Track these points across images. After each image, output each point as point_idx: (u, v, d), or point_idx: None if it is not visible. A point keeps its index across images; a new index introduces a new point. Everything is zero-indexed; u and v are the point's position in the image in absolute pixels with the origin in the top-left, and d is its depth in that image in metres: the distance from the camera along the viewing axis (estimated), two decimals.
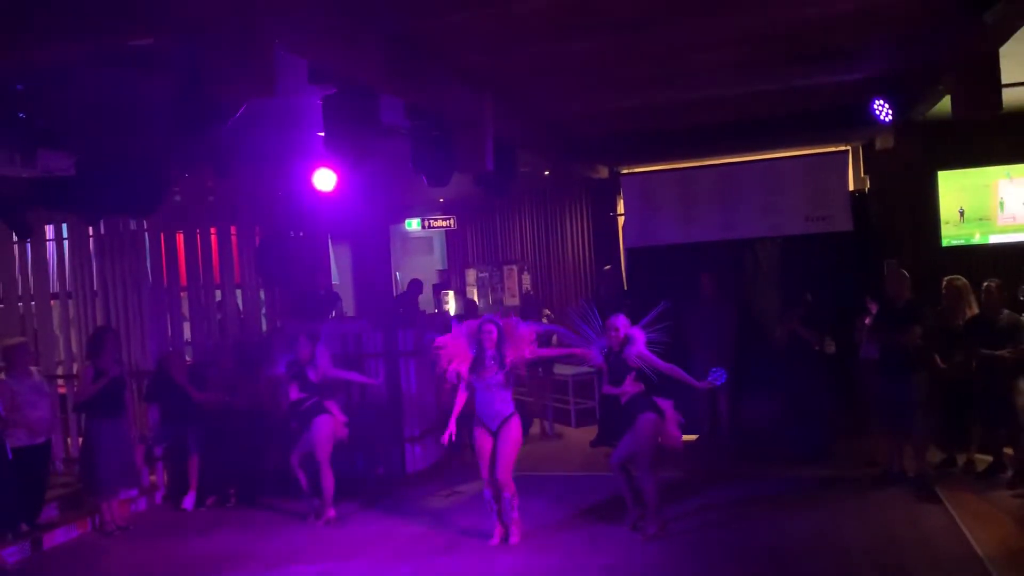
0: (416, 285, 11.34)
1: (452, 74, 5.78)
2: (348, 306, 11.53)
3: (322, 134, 6.65)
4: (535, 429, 9.73)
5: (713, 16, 5.35)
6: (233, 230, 9.39)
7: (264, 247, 9.62)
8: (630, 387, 6.10)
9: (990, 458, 7.19)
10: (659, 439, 6.14)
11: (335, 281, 11.96)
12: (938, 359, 7.15)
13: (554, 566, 5.77)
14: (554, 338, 7.01)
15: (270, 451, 7.81)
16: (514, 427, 6.07)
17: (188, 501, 7.76)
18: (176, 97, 4.01)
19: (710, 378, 6.06)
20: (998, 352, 6.72)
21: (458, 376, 6.12)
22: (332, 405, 7.11)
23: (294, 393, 6.97)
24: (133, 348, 8.55)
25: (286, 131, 7.41)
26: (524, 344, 6.09)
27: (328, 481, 6.96)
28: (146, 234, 8.75)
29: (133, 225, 8.66)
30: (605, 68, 6.45)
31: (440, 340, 6.24)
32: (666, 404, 6.22)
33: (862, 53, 6.01)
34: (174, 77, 3.93)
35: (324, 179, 7.86)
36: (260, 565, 6.13)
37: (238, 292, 9.48)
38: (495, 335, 6.01)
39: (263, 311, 9.79)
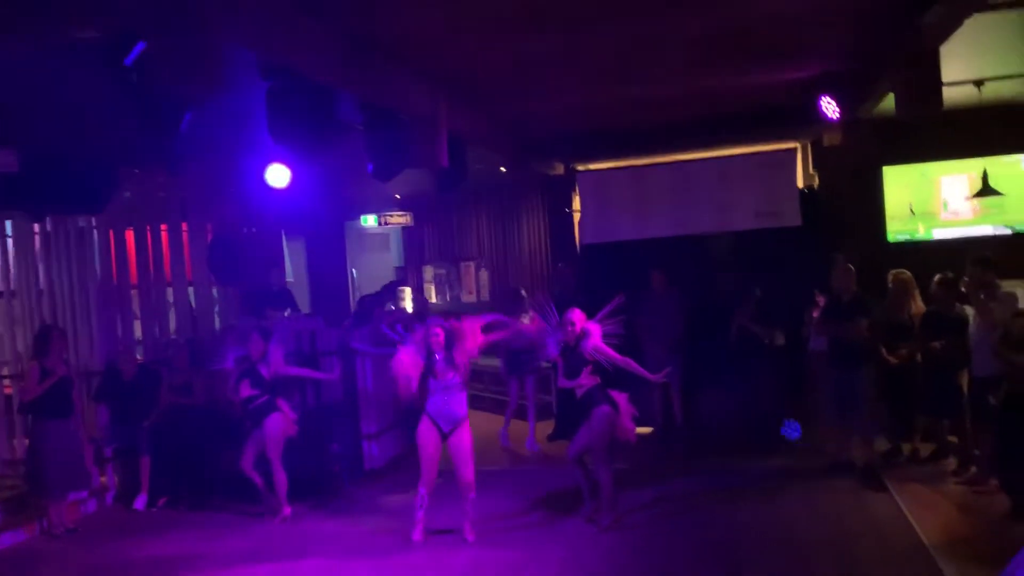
0: (392, 288, 11.22)
1: (407, 70, 5.77)
2: (303, 303, 11.42)
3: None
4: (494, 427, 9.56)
5: (666, 15, 5.43)
6: (184, 227, 9.26)
7: (216, 244, 9.50)
8: (586, 380, 6.17)
9: (933, 446, 7.41)
10: (614, 432, 6.22)
11: (289, 278, 11.84)
12: (884, 352, 7.33)
13: (511, 560, 5.80)
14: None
15: (224, 450, 7.71)
16: (466, 432, 6.14)
17: (139, 502, 7.63)
18: (126, 94, 3.93)
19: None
20: (932, 344, 6.91)
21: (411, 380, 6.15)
22: (282, 403, 7.05)
23: (245, 390, 6.89)
24: (81, 347, 8.39)
25: (238, 126, 7.32)
26: (471, 340, 6.12)
27: (281, 479, 6.91)
28: (95, 231, 8.58)
29: (81, 222, 8.49)
30: (561, 66, 6.49)
31: (399, 361, 6.22)
32: (621, 397, 6.31)
33: (810, 52, 6.15)
34: (124, 73, 3.84)
35: (277, 175, 7.79)
36: (215, 565, 6.06)
37: (190, 290, 9.35)
38: (442, 338, 6.06)
39: (216, 309, 9.67)
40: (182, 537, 6.78)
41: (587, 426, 6.19)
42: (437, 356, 6.05)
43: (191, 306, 9.36)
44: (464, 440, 6.11)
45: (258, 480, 6.97)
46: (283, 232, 11.30)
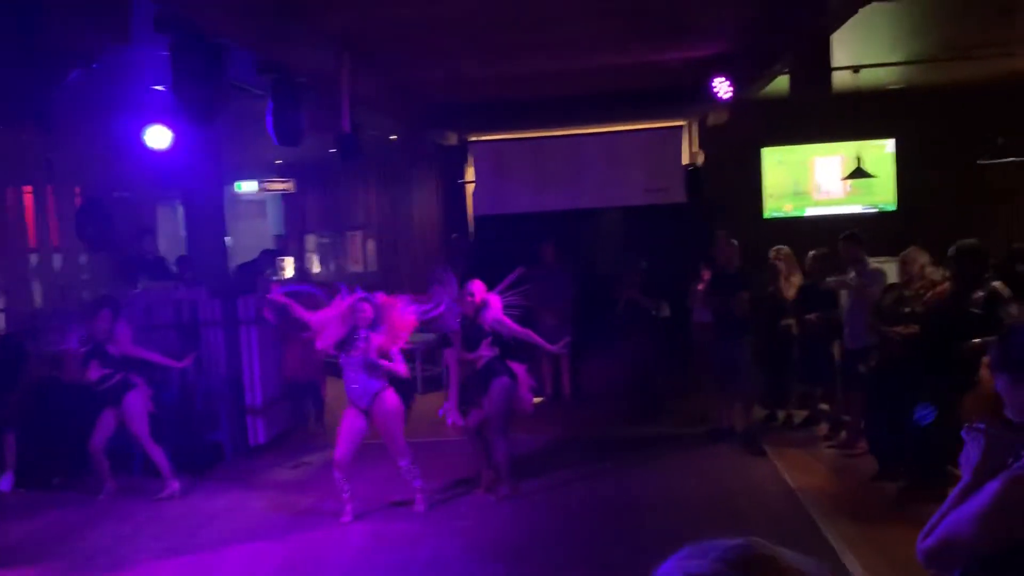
0: (269, 255, 10.86)
1: (310, 31, 5.54)
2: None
3: (160, 88, 6.28)
4: None
5: None
6: (50, 189, 8.63)
7: (85, 208, 8.91)
8: (486, 351, 6.18)
9: (806, 412, 7.86)
10: (512, 403, 6.28)
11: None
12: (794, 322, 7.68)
13: (409, 532, 5.78)
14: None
15: None
16: (388, 400, 5.91)
17: (4, 482, 7.11)
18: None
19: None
20: (807, 316, 7.30)
21: (323, 348, 5.90)
22: (137, 379, 6.69)
23: (94, 371, 6.49)
24: None
25: (115, 83, 6.85)
26: (400, 331, 5.91)
27: (158, 454, 6.61)
28: None
29: None
30: (461, 36, 6.43)
31: (320, 314, 5.97)
32: (519, 368, 6.37)
33: (709, 32, 6.31)
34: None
35: (158, 136, 7.35)
36: (95, 547, 5.73)
37: (56, 257, 8.75)
38: (369, 314, 5.81)
39: (85, 277, 9.10)
40: (57, 518, 6.38)
41: (487, 397, 6.21)
42: (360, 332, 5.80)
43: (57, 274, 8.77)
44: (384, 409, 5.87)
45: (105, 463, 6.63)
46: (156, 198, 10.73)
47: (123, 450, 6.75)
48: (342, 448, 5.89)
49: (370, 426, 6.00)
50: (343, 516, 5.99)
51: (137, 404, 6.53)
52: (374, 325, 5.84)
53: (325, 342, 5.86)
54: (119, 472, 6.99)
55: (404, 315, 5.95)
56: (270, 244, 14.31)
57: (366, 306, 5.82)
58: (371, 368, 5.83)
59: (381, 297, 5.98)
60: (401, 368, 5.92)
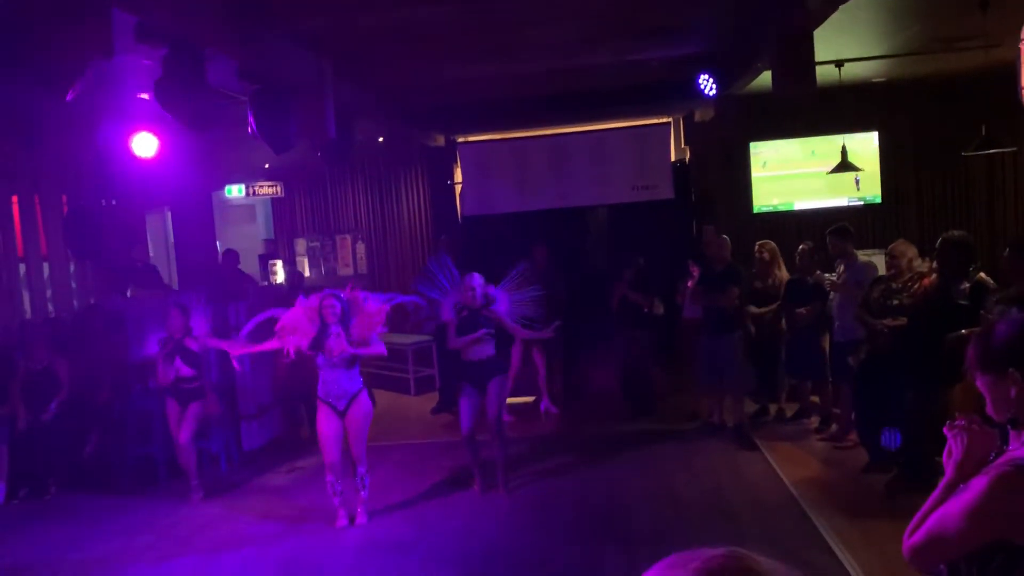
0: (231, 256, 10.83)
1: (292, 37, 5.54)
2: (169, 280, 10.90)
3: (145, 96, 6.26)
4: None
5: None
6: (37, 198, 8.61)
7: (73, 217, 8.88)
8: (489, 349, 6.22)
9: (797, 406, 7.90)
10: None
11: (150, 253, 11.23)
12: (752, 311, 7.72)
13: (405, 535, 5.78)
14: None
15: (94, 436, 7.30)
16: (363, 403, 5.89)
17: None
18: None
19: None
20: (797, 310, 7.34)
21: (298, 351, 5.85)
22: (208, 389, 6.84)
23: (176, 371, 6.56)
24: None
25: (100, 91, 6.82)
26: (372, 319, 5.90)
27: (192, 460, 6.78)
28: None
29: None
30: (446, 38, 6.41)
31: (283, 317, 5.97)
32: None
33: (692, 30, 6.32)
34: None
35: (145, 144, 7.33)
36: (88, 558, 5.72)
37: (45, 266, 8.72)
38: (338, 309, 5.75)
39: (74, 286, 9.08)
40: (51, 530, 6.35)
41: (485, 396, 6.22)
42: (332, 329, 5.75)
43: (47, 284, 8.74)
44: (359, 413, 5.84)
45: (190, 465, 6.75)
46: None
47: (107, 459, 6.73)
48: (333, 451, 5.86)
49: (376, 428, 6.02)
50: (338, 520, 5.99)
51: (198, 412, 6.66)
52: (344, 319, 5.80)
53: (297, 343, 5.80)
54: (104, 483, 7.00)
55: (373, 302, 5.93)
56: (260, 248, 14.31)
57: (334, 301, 5.78)
58: (350, 363, 5.81)
59: (348, 291, 5.97)
60: (381, 350, 5.95)
